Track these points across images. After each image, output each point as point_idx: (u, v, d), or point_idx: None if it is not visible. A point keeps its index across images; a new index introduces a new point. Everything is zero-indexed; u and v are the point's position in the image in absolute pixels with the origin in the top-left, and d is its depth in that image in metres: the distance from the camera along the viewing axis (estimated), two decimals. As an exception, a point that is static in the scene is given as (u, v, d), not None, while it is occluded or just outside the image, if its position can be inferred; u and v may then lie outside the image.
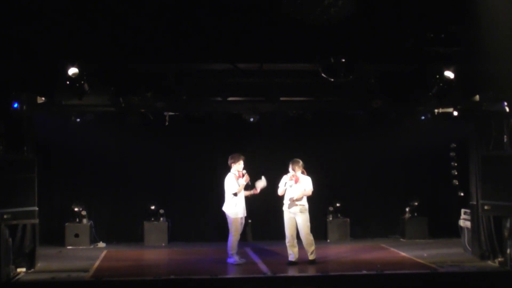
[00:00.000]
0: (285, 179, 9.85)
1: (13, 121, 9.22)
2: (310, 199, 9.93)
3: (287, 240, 9.83)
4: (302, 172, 9.88)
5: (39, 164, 9.49)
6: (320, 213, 12.25)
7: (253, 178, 10.01)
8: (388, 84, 9.59)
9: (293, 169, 9.79)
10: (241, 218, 9.96)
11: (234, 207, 9.87)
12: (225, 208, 9.96)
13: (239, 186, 9.87)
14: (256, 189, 10.02)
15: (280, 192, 9.88)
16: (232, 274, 9.40)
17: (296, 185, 9.76)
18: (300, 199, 9.71)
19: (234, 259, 9.86)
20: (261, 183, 10.01)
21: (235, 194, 9.83)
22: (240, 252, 10.40)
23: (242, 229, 10.14)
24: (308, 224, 9.83)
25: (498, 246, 9.87)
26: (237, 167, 9.96)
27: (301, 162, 9.86)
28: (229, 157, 10.09)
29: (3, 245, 8.79)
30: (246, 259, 10.18)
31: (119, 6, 8.10)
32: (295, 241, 9.84)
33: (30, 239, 9.69)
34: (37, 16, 8.06)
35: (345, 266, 9.94)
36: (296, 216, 9.76)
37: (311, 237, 9.83)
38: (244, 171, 9.96)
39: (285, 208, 9.82)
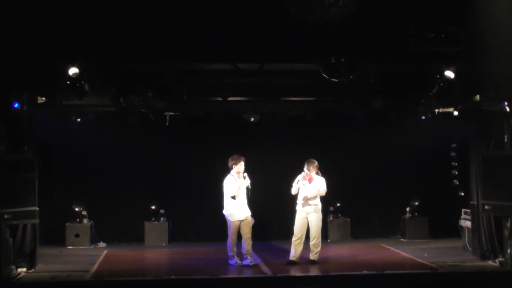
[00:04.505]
0: (299, 178, 9.85)
1: (13, 121, 9.22)
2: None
3: (294, 238, 9.81)
4: (317, 173, 9.90)
5: (39, 164, 9.53)
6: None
7: (253, 179, 9.95)
8: (388, 84, 9.60)
9: (308, 169, 9.80)
10: (241, 221, 9.72)
11: (233, 210, 9.71)
12: (225, 211, 9.82)
13: (237, 188, 9.67)
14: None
15: (293, 191, 9.87)
16: (232, 274, 9.39)
17: (310, 185, 9.79)
18: (313, 198, 9.74)
19: (235, 260, 9.77)
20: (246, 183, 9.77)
21: (233, 197, 9.69)
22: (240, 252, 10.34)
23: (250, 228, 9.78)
24: (320, 224, 9.86)
25: (499, 246, 9.88)
26: (238, 168, 9.77)
27: (316, 163, 9.86)
28: (230, 158, 9.89)
29: (3, 245, 8.79)
30: (249, 262, 9.80)
31: (119, 6, 8.10)
32: (302, 241, 9.82)
33: (31, 239, 9.69)
34: (37, 16, 8.05)
35: (345, 266, 9.95)
36: (308, 216, 9.77)
37: (319, 239, 9.85)
38: (245, 174, 9.76)
39: (298, 207, 9.83)
